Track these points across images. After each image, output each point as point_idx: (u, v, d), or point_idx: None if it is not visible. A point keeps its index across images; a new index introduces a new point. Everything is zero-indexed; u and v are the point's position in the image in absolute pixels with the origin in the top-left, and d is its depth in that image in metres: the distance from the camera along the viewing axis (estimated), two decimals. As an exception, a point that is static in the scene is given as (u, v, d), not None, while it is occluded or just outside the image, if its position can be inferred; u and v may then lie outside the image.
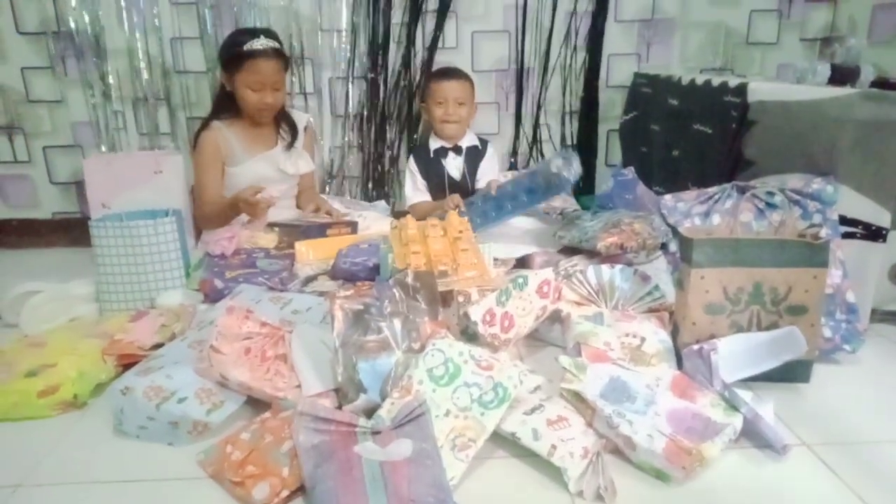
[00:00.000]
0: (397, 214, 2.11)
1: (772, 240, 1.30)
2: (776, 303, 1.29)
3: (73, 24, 2.15)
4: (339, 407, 1.15)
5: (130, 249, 1.62)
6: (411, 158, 2.16)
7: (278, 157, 1.98)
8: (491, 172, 2.13)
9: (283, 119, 2.00)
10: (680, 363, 1.29)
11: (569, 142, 2.43)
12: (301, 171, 2.03)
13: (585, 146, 2.40)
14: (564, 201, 2.15)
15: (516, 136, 2.41)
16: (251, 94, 1.85)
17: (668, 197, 1.66)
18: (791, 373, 1.28)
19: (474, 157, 2.13)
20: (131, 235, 1.62)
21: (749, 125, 1.62)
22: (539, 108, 2.38)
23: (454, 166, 2.12)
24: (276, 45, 1.86)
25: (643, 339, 1.32)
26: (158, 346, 1.40)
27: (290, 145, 1.99)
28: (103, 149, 2.27)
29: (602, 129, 2.42)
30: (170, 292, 1.65)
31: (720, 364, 1.20)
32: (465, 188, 2.10)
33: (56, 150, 2.30)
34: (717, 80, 1.76)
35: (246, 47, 1.80)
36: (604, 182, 2.36)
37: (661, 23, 2.33)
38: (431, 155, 2.12)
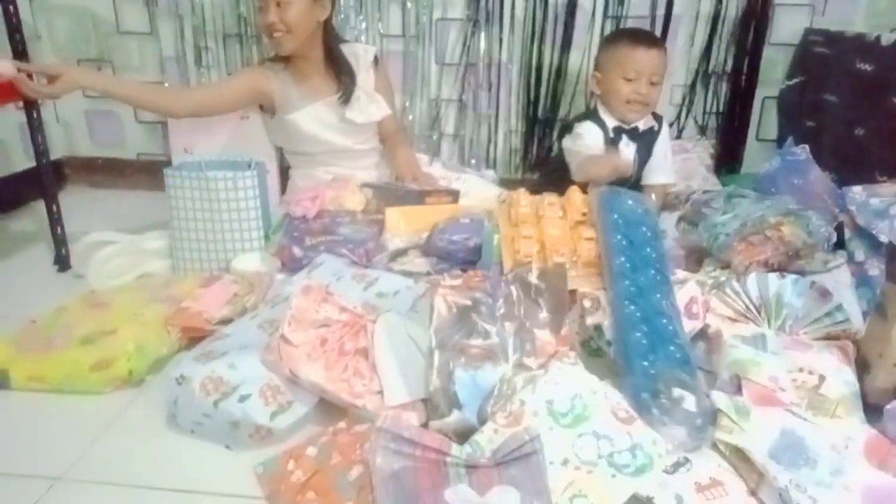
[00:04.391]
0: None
1: None
2: None
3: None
4: (426, 424, 0.94)
5: (207, 204, 1.46)
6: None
7: (339, 106, 1.68)
8: (664, 160, 1.65)
9: (331, 63, 1.67)
10: (868, 414, 0.97)
11: (717, 109, 2.03)
12: (373, 119, 1.72)
13: (738, 116, 2.01)
14: (705, 180, 1.81)
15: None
16: (259, 16, 1.58)
17: (857, 189, 1.30)
18: None
19: (648, 141, 1.63)
20: (208, 189, 1.45)
21: None
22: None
23: (627, 154, 1.61)
24: None
25: (822, 378, 1.01)
26: (227, 320, 1.23)
27: (347, 97, 1.67)
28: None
29: (756, 96, 2.01)
30: (247, 256, 1.47)
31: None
32: (627, 181, 1.56)
33: (145, 86, 2.16)
34: (940, 41, 1.35)
35: None
36: (754, 161, 2.00)
37: (846, -34, 1.88)
38: (611, 134, 1.60)
